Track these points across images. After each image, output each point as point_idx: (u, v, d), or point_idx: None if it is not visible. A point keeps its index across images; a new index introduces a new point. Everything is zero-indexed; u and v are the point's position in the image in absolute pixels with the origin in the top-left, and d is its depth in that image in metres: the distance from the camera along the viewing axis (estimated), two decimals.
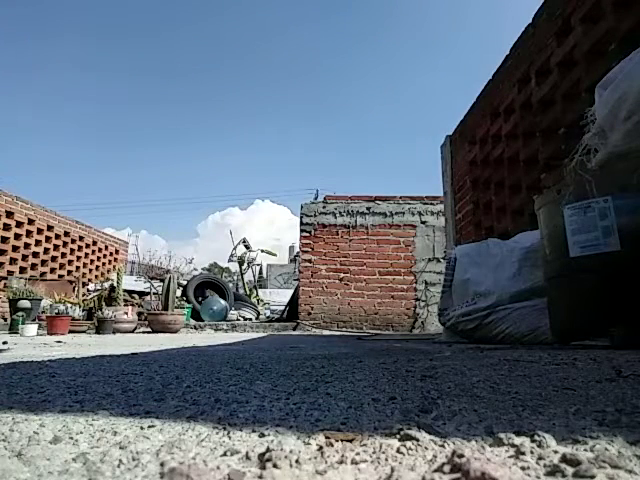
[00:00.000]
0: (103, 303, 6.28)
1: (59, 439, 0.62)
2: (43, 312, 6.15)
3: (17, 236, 7.99)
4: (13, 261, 7.91)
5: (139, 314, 6.58)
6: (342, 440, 0.59)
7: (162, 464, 0.51)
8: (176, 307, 6.40)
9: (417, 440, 0.57)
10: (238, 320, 7.35)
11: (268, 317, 8.64)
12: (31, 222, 8.32)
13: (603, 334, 1.87)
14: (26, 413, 0.78)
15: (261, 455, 0.53)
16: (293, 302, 7.54)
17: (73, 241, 9.59)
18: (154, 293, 7.24)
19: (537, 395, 0.87)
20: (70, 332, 5.20)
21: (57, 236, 9.08)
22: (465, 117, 4.71)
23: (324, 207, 7.32)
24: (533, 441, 0.55)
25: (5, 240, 7.73)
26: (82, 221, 10.01)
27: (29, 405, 0.86)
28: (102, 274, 10.31)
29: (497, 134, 3.89)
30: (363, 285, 7.04)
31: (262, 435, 0.63)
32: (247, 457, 0.53)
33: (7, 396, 0.95)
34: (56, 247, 9.06)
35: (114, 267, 9.26)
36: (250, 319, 7.85)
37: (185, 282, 8.22)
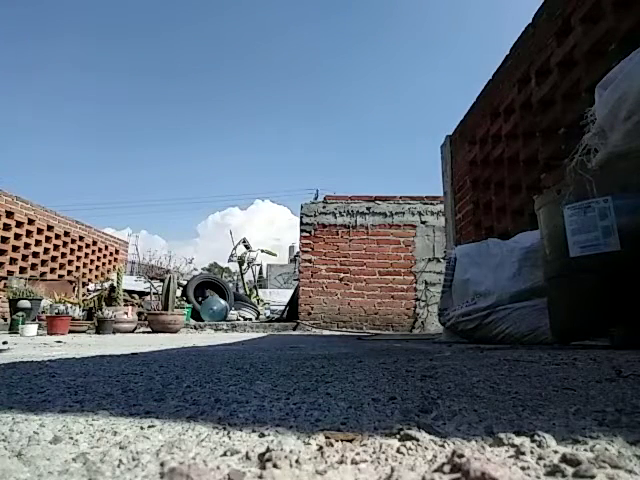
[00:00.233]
0: (103, 303, 6.28)
1: (59, 439, 0.62)
2: (43, 312, 6.15)
3: (17, 236, 7.99)
4: (13, 261, 7.91)
5: (139, 314, 6.58)
6: (342, 440, 0.59)
7: (162, 464, 0.51)
8: (176, 307, 6.40)
9: (417, 440, 0.57)
10: (238, 320, 7.35)
11: (268, 317, 8.64)
12: (31, 222, 8.32)
13: (603, 334, 1.87)
14: (26, 413, 0.78)
15: (261, 455, 0.53)
16: (293, 302, 7.54)
17: (73, 241, 9.59)
18: (154, 293, 7.24)
19: (537, 395, 0.87)
20: (70, 332, 5.20)
21: (57, 236, 9.08)
22: (465, 117, 4.71)
23: (324, 207, 7.32)
24: (533, 441, 0.55)
25: (5, 240, 7.73)
26: (82, 221, 10.02)
27: (29, 405, 0.86)
28: (102, 274, 10.31)
29: (497, 134, 3.88)
30: (363, 285, 7.04)
31: (262, 435, 0.63)
32: (247, 457, 0.53)
33: (7, 396, 0.95)
34: (56, 247, 9.06)
35: (114, 267, 9.26)
36: (250, 319, 7.85)
37: (185, 282, 8.22)
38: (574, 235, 1.89)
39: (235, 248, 11.23)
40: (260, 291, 11.90)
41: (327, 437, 0.60)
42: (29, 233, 8.29)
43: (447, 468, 0.47)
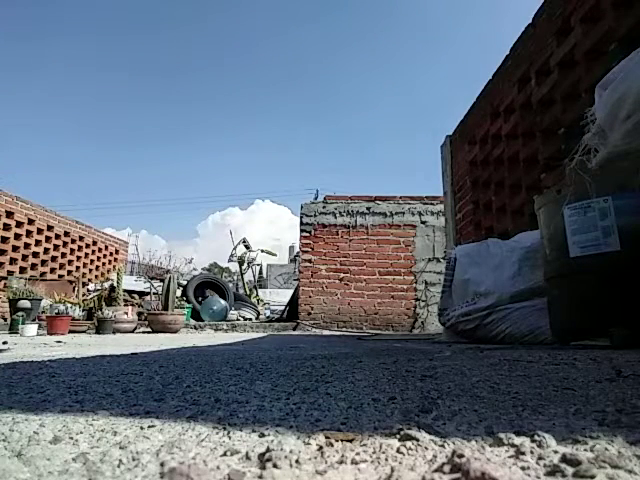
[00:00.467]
0: (103, 303, 6.28)
1: (59, 439, 0.62)
2: (43, 312, 6.15)
3: (17, 236, 7.99)
4: (13, 261, 7.91)
5: (139, 314, 6.58)
6: (342, 440, 0.59)
7: (162, 464, 0.51)
8: (176, 307, 6.40)
9: (417, 440, 0.57)
10: (238, 320, 7.35)
11: (268, 317, 8.64)
12: (31, 222, 8.32)
13: (603, 334, 1.87)
14: (26, 413, 0.78)
15: (261, 455, 0.53)
16: (293, 302, 7.54)
17: (73, 241, 9.59)
18: (154, 293, 7.24)
19: (537, 395, 0.87)
20: (70, 332, 5.20)
21: (57, 236, 9.08)
22: (465, 117, 4.71)
23: (324, 207, 7.32)
24: (533, 441, 0.55)
25: (5, 240, 7.73)
26: (82, 221, 10.02)
27: (29, 405, 0.86)
28: (102, 274, 10.31)
29: (497, 134, 3.89)
30: (363, 285, 7.04)
31: (262, 435, 0.63)
32: (247, 457, 0.53)
33: (7, 396, 0.95)
34: (56, 247, 9.06)
35: (114, 267, 9.26)
36: (250, 319, 7.85)
37: (185, 282, 8.22)
38: (574, 235, 1.89)
39: (235, 248, 11.23)
40: (260, 291, 11.90)
41: (327, 437, 0.60)
42: (29, 233, 8.29)
43: (447, 468, 0.47)
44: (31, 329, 4.75)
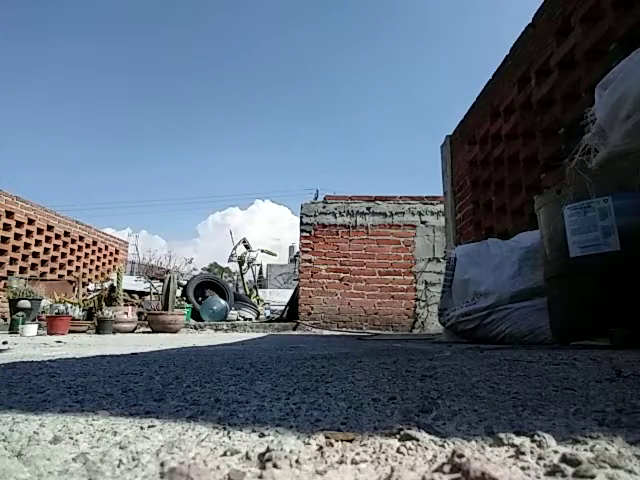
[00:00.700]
0: (103, 303, 6.28)
1: (59, 439, 0.62)
2: (43, 312, 6.15)
3: (17, 236, 7.99)
4: (13, 261, 7.91)
5: (139, 314, 6.58)
6: (342, 440, 0.59)
7: (162, 464, 0.51)
8: (176, 307, 6.40)
9: (417, 440, 0.57)
10: (238, 320, 7.35)
11: (268, 317, 8.64)
12: (31, 222, 8.32)
13: (603, 334, 1.87)
14: (26, 413, 0.78)
15: (261, 455, 0.53)
16: (293, 302, 7.54)
17: (73, 241, 9.59)
18: (154, 293, 7.24)
19: (537, 395, 0.87)
20: (70, 332, 5.20)
21: (57, 236, 9.08)
22: (465, 117, 4.71)
23: (324, 207, 7.32)
24: (533, 441, 0.55)
25: (5, 240, 7.73)
26: (82, 221, 10.02)
27: (29, 405, 0.86)
28: (102, 274, 10.31)
29: (497, 134, 3.89)
30: (363, 285, 7.04)
31: (262, 435, 0.63)
32: (247, 457, 0.53)
33: (7, 396, 0.95)
34: (56, 247, 9.06)
35: (114, 267, 9.27)
36: (250, 319, 7.85)
37: (185, 282, 8.22)
38: (574, 235, 1.89)
39: (235, 248, 11.23)
40: (260, 291, 11.90)
41: (327, 437, 0.60)
42: (29, 233, 8.29)
43: (447, 468, 0.47)
44: (31, 329, 4.75)
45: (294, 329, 6.59)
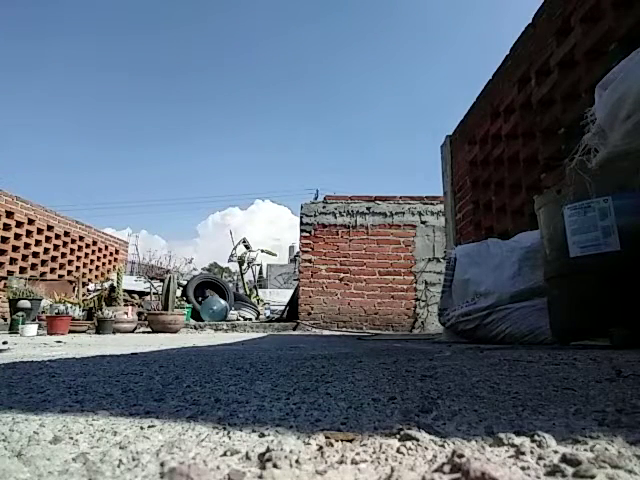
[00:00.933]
0: (103, 303, 6.28)
1: (59, 439, 0.62)
2: (43, 312, 6.15)
3: (17, 236, 7.99)
4: (13, 261, 7.91)
5: (139, 314, 6.58)
6: (342, 440, 0.59)
7: (162, 464, 0.51)
8: (176, 307, 6.40)
9: (417, 440, 0.57)
10: (238, 320, 7.35)
11: (268, 317, 8.64)
12: (31, 222, 8.32)
13: (603, 334, 1.87)
14: (26, 413, 0.78)
15: (261, 455, 0.53)
16: (293, 302, 7.54)
17: (73, 241, 9.59)
18: (154, 293, 7.24)
19: (537, 395, 0.87)
20: (70, 332, 5.20)
21: (57, 236, 9.08)
22: (465, 117, 4.71)
23: (324, 207, 7.32)
24: (533, 441, 0.55)
25: (5, 240, 7.73)
26: (82, 221, 10.02)
27: (29, 405, 0.86)
28: (102, 274, 10.31)
29: (497, 134, 3.88)
30: (363, 285, 7.04)
31: (262, 435, 0.63)
32: (247, 457, 0.53)
33: (7, 396, 0.95)
34: (56, 247, 9.06)
35: (114, 267, 9.27)
36: (250, 319, 7.85)
37: (185, 282, 8.22)
38: (574, 235, 1.89)
39: (235, 248, 11.23)
40: (260, 291, 11.90)
41: (327, 437, 0.60)
42: (29, 233, 8.29)
43: (447, 468, 0.47)
44: (31, 329, 4.75)
45: (294, 329, 6.59)
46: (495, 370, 1.25)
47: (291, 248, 31.15)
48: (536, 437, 0.55)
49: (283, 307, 8.33)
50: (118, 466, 0.51)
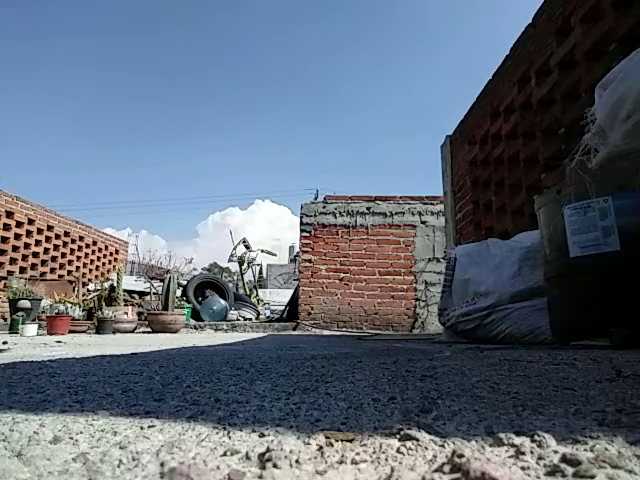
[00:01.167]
0: (103, 303, 6.28)
1: (59, 439, 0.62)
2: (43, 312, 6.15)
3: (17, 236, 7.99)
4: (13, 261, 7.91)
5: (139, 314, 6.58)
6: (342, 440, 0.59)
7: (162, 464, 0.51)
8: (176, 307, 6.40)
9: (417, 440, 0.57)
10: (238, 320, 7.35)
11: (268, 317, 8.64)
12: (31, 222, 8.32)
13: (603, 334, 1.87)
14: (26, 413, 0.78)
15: (261, 455, 0.53)
16: (293, 302, 7.54)
17: (73, 241, 9.59)
18: (154, 293, 7.24)
19: (537, 395, 0.87)
20: (70, 332, 5.20)
21: (57, 236, 9.08)
22: (465, 117, 4.71)
23: (324, 207, 7.32)
24: (533, 441, 0.55)
25: (5, 240, 7.73)
26: (82, 221, 10.02)
27: (29, 405, 0.86)
28: (102, 274, 10.31)
29: (497, 134, 3.88)
30: (363, 285, 7.04)
31: (262, 435, 0.63)
32: (247, 457, 0.53)
33: (7, 396, 0.95)
34: (56, 247, 9.06)
35: (114, 267, 9.27)
36: (250, 319, 7.85)
37: (185, 282, 8.22)
38: (574, 235, 1.89)
39: (235, 248, 11.23)
40: (260, 291, 11.90)
41: (327, 437, 0.60)
42: (29, 233, 8.28)
43: (447, 468, 0.47)
44: (31, 329, 4.75)
45: (294, 329, 6.59)
46: (495, 370, 1.25)
47: (291, 248, 31.16)
48: (536, 437, 0.55)
49: (283, 307, 8.33)
50: (118, 466, 0.51)
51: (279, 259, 23.53)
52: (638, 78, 1.75)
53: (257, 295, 10.55)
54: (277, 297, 11.61)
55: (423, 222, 7.15)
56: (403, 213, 7.19)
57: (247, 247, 11.24)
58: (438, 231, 6.98)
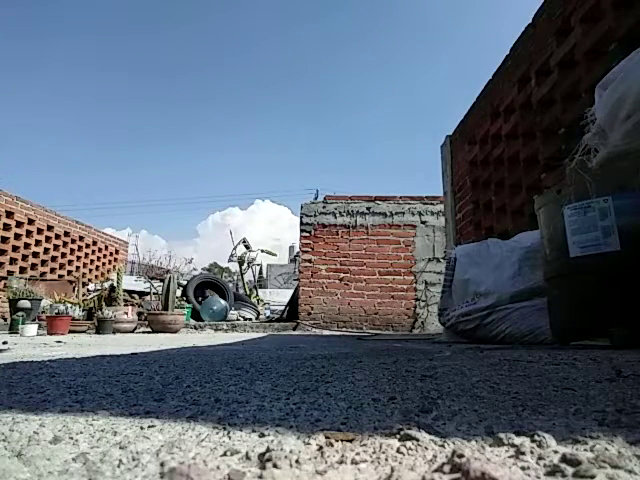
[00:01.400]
0: (103, 303, 6.28)
1: (59, 439, 0.62)
2: (43, 312, 6.15)
3: (17, 236, 7.99)
4: (13, 261, 7.91)
5: (139, 314, 6.58)
6: (342, 440, 0.59)
7: (162, 464, 0.51)
8: (176, 307, 6.40)
9: (417, 440, 0.57)
10: (238, 320, 7.35)
11: (268, 317, 8.64)
12: (31, 222, 8.32)
13: (603, 334, 1.87)
14: (26, 413, 0.78)
15: (261, 455, 0.53)
16: (293, 302, 7.54)
17: (73, 241, 9.59)
18: (154, 293, 7.24)
19: (537, 395, 0.87)
20: (70, 332, 5.20)
21: (57, 236, 9.08)
22: (465, 117, 4.71)
23: (324, 207, 7.32)
24: (533, 441, 0.55)
25: (5, 240, 7.73)
26: (82, 221, 10.02)
27: (29, 405, 0.86)
28: (102, 274, 10.31)
29: (497, 134, 3.88)
30: (363, 285, 7.04)
31: (262, 435, 0.63)
32: (247, 457, 0.53)
33: (7, 396, 0.95)
34: (56, 247, 9.06)
35: (114, 267, 9.27)
36: (250, 319, 7.85)
37: (185, 282, 8.22)
38: (574, 235, 1.89)
39: (235, 248, 11.23)
40: (260, 291, 11.90)
41: (327, 437, 0.60)
42: (29, 233, 8.28)
43: (447, 468, 0.47)
44: (31, 329, 4.75)
45: (294, 329, 6.59)
46: (495, 370, 1.25)
47: (291, 248, 31.16)
48: (536, 437, 0.55)
49: (283, 307, 8.33)
50: (118, 466, 0.51)
51: (279, 259, 23.54)
52: (638, 78, 1.75)
53: (257, 295, 10.55)
54: (277, 297, 11.61)
55: (423, 222, 7.15)
56: (403, 213, 7.19)
57: (247, 247, 11.24)
58: (438, 231, 6.98)
